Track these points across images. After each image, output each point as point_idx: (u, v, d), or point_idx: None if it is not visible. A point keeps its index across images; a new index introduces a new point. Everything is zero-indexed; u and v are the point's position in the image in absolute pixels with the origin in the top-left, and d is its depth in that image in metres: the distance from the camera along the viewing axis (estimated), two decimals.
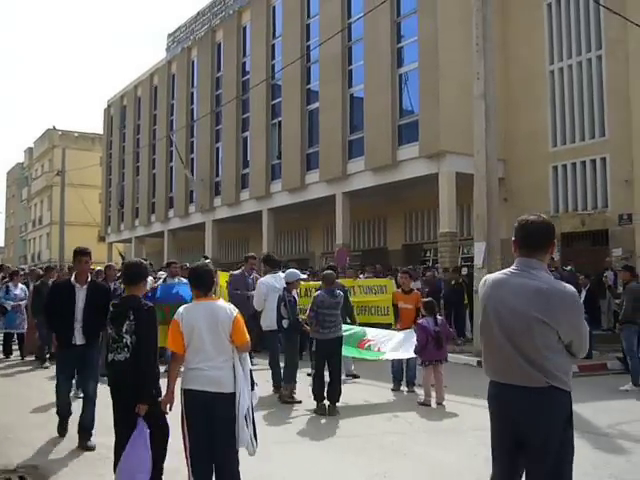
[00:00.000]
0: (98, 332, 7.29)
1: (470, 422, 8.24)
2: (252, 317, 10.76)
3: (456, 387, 10.22)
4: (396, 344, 10.43)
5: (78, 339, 7.07)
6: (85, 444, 6.86)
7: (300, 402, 9.39)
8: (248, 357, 4.99)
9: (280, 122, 28.36)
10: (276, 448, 6.81)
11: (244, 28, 31.79)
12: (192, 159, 35.36)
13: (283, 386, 9.69)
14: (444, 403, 9.37)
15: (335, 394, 8.97)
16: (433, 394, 9.50)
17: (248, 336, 4.90)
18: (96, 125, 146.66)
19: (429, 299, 10.59)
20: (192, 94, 35.80)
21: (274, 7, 29.54)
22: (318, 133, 25.86)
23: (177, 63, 37.40)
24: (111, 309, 5.69)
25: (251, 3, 30.81)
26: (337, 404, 8.96)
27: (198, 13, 36.85)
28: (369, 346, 10.52)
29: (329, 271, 10.10)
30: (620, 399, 10.31)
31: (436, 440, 7.60)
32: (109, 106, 46.63)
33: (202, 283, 5.03)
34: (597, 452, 7.12)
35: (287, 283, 10.04)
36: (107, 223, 45.61)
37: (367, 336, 10.68)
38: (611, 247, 19.14)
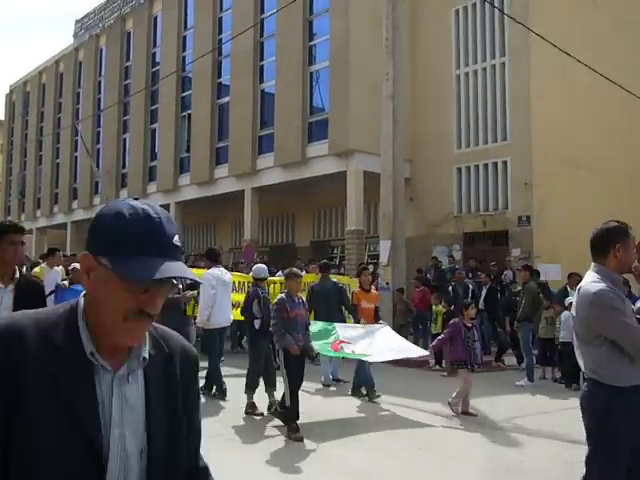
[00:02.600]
0: None
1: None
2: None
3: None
4: (367, 342, 9.50)
5: None
6: None
7: (262, 414, 8.58)
8: None
9: (190, 115, 28.05)
10: None
11: (155, 18, 31.27)
12: (98, 149, 34.53)
13: (247, 393, 8.77)
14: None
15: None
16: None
17: None
18: None
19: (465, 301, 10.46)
20: (100, 83, 34.92)
21: None
22: (228, 127, 25.72)
23: (85, 50, 36.41)
24: None
25: None
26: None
27: (108, 0, 35.97)
28: (342, 347, 9.38)
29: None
30: (515, 394, 10.75)
31: None
32: (11, 91, 44.93)
33: None
34: (493, 445, 7.42)
35: (256, 279, 9.38)
36: (7, 213, 43.90)
37: (339, 335, 9.49)
38: (510, 247, 19.84)
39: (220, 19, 27.06)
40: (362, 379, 10.02)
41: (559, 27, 18.26)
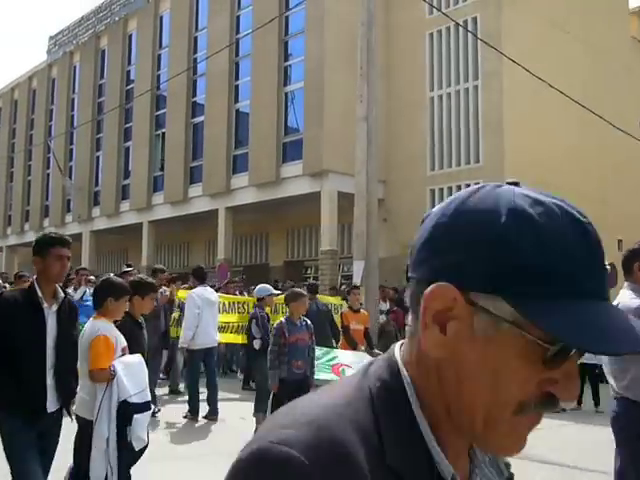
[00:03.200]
0: (74, 390, 4.56)
1: None
2: (164, 335, 10.25)
3: None
4: None
5: (51, 402, 4.17)
6: None
7: None
8: (117, 386, 4.37)
9: (164, 134, 27.98)
10: None
11: (130, 36, 31.23)
12: (71, 167, 34.25)
13: (255, 415, 8.37)
14: None
15: None
16: None
17: (101, 364, 4.40)
18: None
19: None
20: (73, 100, 34.73)
21: (161, 17, 29.21)
22: (202, 146, 25.70)
23: (58, 67, 36.21)
24: None
25: (138, 11, 30.33)
26: None
27: (82, 17, 35.91)
28: (343, 370, 8.87)
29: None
30: None
31: None
32: None
33: (95, 297, 4.90)
34: None
35: (258, 299, 9.28)
36: None
37: (340, 359, 9.14)
38: None
39: (195, 38, 27.11)
40: None
41: (531, 51, 18.54)
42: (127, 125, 30.45)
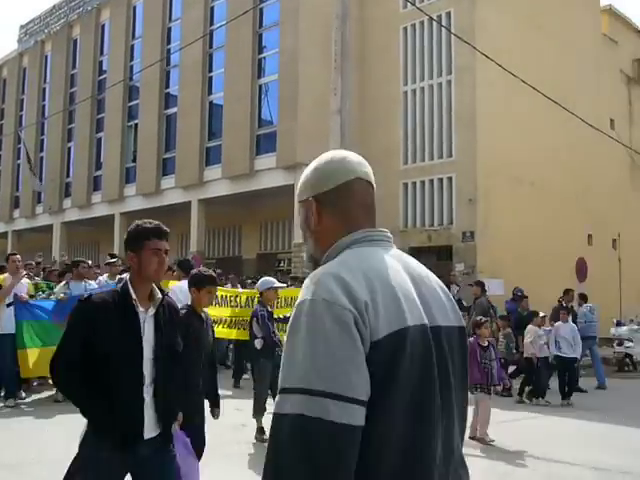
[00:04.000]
0: (177, 411, 3.81)
1: None
2: None
3: None
4: None
5: (149, 426, 3.39)
6: None
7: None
8: None
9: (136, 125, 27.77)
10: None
11: (102, 26, 30.91)
12: (41, 158, 33.89)
13: (256, 417, 8.04)
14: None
15: None
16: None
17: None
18: None
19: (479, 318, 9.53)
20: (44, 90, 34.29)
21: (135, 7, 28.93)
22: (175, 138, 25.55)
23: (29, 56, 35.74)
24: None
25: (111, 1, 30.00)
26: None
27: (54, 6, 35.47)
28: None
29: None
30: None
31: None
32: None
33: None
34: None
35: (260, 294, 8.40)
36: None
37: None
38: (455, 262, 20.11)
39: (169, 29, 26.90)
40: None
41: (504, 47, 18.67)
42: (99, 116, 30.17)
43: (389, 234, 1.85)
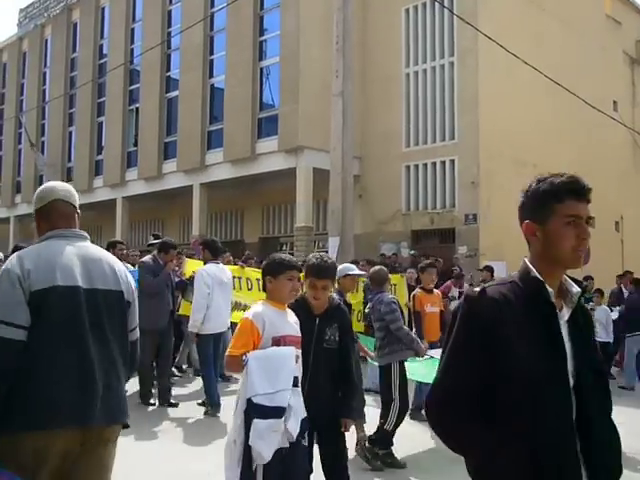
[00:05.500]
0: None
1: None
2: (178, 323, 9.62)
3: None
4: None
5: None
6: None
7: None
8: (246, 380, 3.77)
9: (138, 109, 27.68)
10: None
11: (102, 9, 30.72)
12: (43, 142, 33.79)
13: (357, 423, 6.56)
14: None
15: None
16: None
17: (231, 350, 3.85)
18: None
19: None
20: (45, 74, 34.17)
21: None
22: (177, 122, 25.46)
23: (29, 40, 35.57)
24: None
25: None
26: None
27: None
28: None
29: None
30: None
31: None
32: None
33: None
34: None
35: (337, 281, 7.01)
36: None
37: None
38: (457, 245, 20.09)
39: (169, 12, 26.75)
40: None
41: (507, 28, 18.55)
42: (100, 100, 30.07)
43: (81, 233, 3.15)
